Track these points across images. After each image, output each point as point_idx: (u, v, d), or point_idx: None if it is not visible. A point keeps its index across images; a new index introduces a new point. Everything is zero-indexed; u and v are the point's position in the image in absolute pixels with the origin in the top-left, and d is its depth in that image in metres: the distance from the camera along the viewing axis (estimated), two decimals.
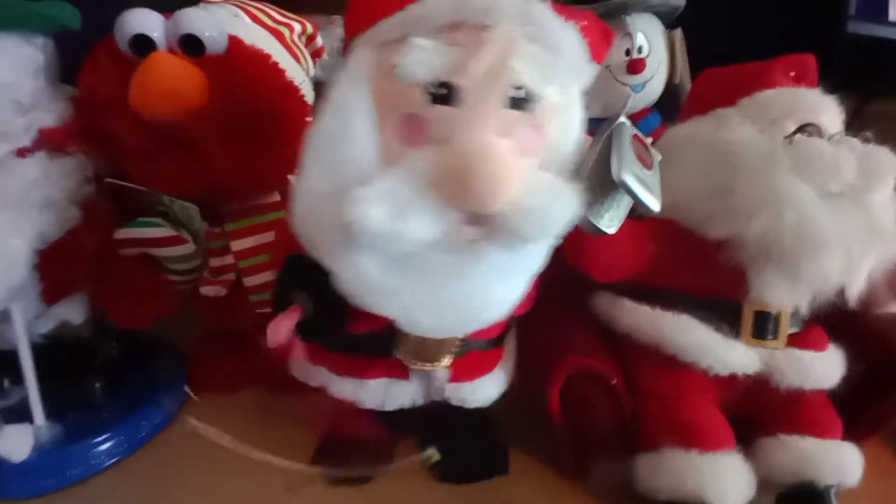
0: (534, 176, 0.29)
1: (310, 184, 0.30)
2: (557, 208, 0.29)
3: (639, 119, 0.61)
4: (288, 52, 0.46)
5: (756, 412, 0.40)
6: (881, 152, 0.37)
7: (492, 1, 0.29)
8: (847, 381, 0.40)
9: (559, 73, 0.30)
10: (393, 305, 0.30)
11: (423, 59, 0.28)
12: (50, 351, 0.44)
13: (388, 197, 0.27)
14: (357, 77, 0.30)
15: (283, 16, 0.48)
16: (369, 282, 0.29)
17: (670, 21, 0.61)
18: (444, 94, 0.29)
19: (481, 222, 0.28)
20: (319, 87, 0.55)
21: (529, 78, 0.29)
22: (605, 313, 0.42)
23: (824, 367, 0.39)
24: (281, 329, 0.31)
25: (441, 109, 0.29)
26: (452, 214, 0.28)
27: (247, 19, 0.45)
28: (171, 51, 0.39)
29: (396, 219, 0.27)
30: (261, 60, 0.41)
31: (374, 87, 0.30)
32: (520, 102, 0.30)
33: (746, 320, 0.38)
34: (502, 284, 0.32)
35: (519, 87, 0.29)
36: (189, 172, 0.41)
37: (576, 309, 0.44)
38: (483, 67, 0.28)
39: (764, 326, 0.38)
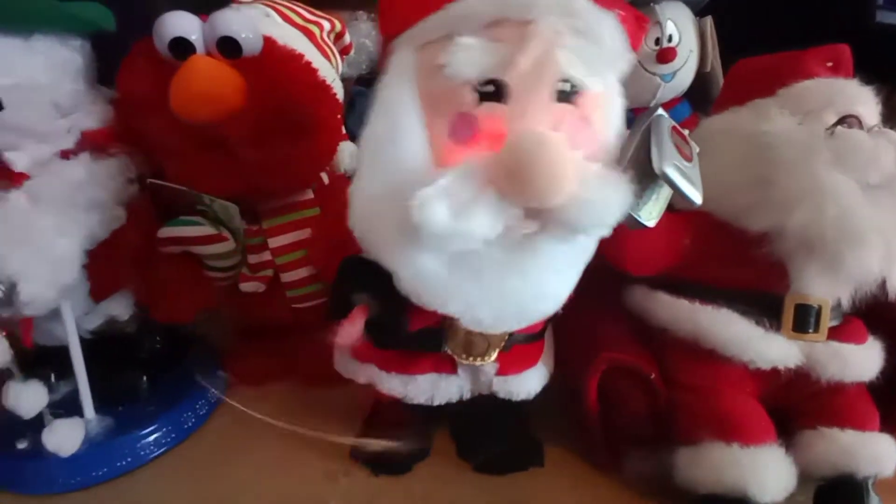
0: (587, 168, 0.29)
1: (365, 186, 0.31)
2: (612, 199, 0.29)
3: (668, 108, 0.59)
4: (318, 50, 0.47)
5: (795, 404, 0.40)
6: None
7: None
8: (885, 372, 0.40)
9: (601, 63, 0.31)
10: (456, 303, 0.31)
11: (469, 57, 0.28)
12: (96, 346, 0.46)
13: (451, 196, 0.27)
14: (402, 78, 0.30)
15: (312, 14, 0.49)
16: (432, 281, 0.30)
17: (699, 9, 0.60)
18: (492, 91, 0.29)
19: (540, 216, 0.29)
20: (347, 83, 0.56)
21: (575, 70, 0.29)
22: (639, 307, 0.42)
23: (864, 360, 0.39)
24: (352, 332, 0.32)
25: (491, 106, 0.29)
26: (512, 210, 0.28)
27: (278, 19, 0.45)
28: (209, 53, 0.40)
29: (460, 217, 0.27)
30: (295, 60, 0.41)
31: (419, 87, 0.30)
32: (567, 95, 0.30)
33: (787, 313, 0.38)
34: (557, 277, 0.32)
35: (565, 80, 0.29)
36: (227, 172, 0.41)
37: (609, 302, 0.44)
38: (529, 62, 0.28)
39: (805, 320, 0.38)
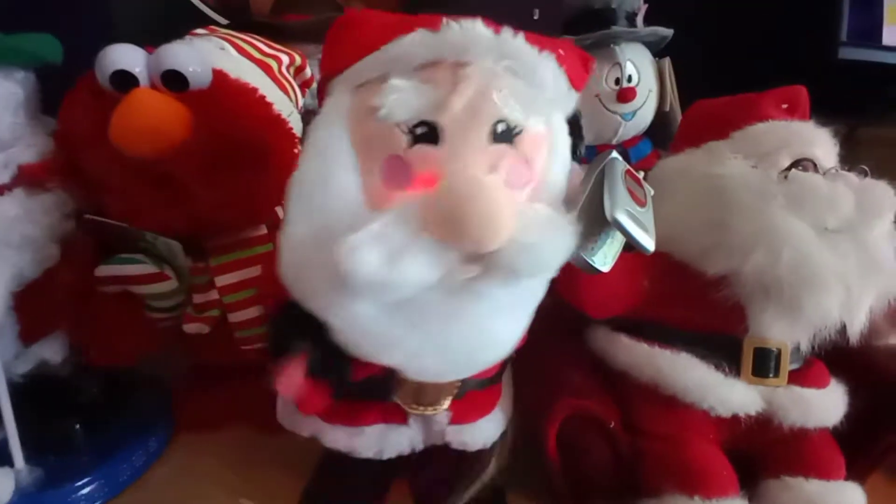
0: (527, 211, 0.28)
1: (295, 232, 0.29)
2: (554, 242, 0.28)
3: (630, 146, 0.61)
4: (276, 84, 0.46)
5: (758, 451, 0.39)
6: (878, 187, 0.36)
7: (467, 38, 0.28)
8: (848, 414, 0.39)
9: (541, 103, 0.30)
10: (396, 353, 0.29)
11: (402, 99, 0.27)
12: (29, 390, 0.43)
13: (382, 242, 0.26)
14: (335, 120, 0.29)
15: (271, 48, 0.48)
16: (367, 331, 0.28)
17: (658, 50, 0.61)
18: (425, 133, 0.28)
19: (478, 260, 0.27)
20: (309, 115, 0.55)
21: (511, 111, 0.28)
22: (601, 350, 0.41)
23: (826, 405, 0.38)
24: (293, 381, 0.30)
25: (424, 149, 0.28)
26: (448, 255, 0.27)
27: (233, 52, 0.45)
28: (153, 86, 0.38)
29: (392, 264, 0.26)
30: (246, 94, 0.40)
31: (353, 129, 0.29)
32: (504, 136, 0.29)
33: (746, 357, 0.37)
34: (504, 321, 0.31)
35: (501, 121, 0.28)
36: (172, 208, 0.40)
37: (571, 344, 0.43)
38: (463, 104, 0.27)
39: (765, 364, 0.37)
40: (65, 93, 0.42)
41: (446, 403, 0.35)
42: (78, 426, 0.45)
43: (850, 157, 0.40)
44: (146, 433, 0.47)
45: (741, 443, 0.39)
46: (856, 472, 0.38)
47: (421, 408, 0.35)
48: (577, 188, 0.32)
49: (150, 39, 0.40)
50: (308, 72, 0.51)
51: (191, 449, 0.48)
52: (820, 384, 0.39)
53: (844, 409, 0.39)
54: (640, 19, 0.59)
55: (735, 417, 0.37)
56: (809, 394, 0.38)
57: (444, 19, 0.28)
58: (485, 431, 0.38)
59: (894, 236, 0.37)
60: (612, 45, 0.57)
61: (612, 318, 0.41)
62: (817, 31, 0.70)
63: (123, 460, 0.44)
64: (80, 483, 0.42)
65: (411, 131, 0.28)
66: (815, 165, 0.37)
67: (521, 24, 0.30)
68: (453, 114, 0.27)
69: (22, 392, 0.42)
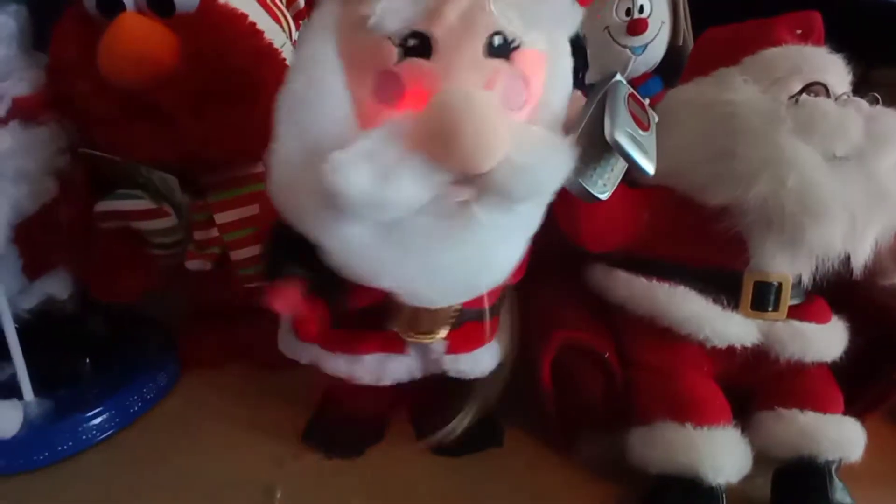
0: (523, 131, 0.27)
1: (284, 151, 0.28)
2: (550, 164, 0.27)
3: (639, 84, 0.58)
4: (267, 12, 0.44)
5: (754, 385, 0.39)
6: (889, 115, 0.35)
7: None
8: (850, 354, 0.39)
9: (541, 17, 0.28)
10: (387, 276, 0.29)
11: (393, 7, 0.26)
12: (37, 326, 0.44)
13: (371, 160, 0.25)
14: (323, 32, 0.28)
15: None
16: (360, 253, 0.28)
17: None
18: (417, 45, 0.27)
19: (471, 183, 0.27)
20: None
21: (509, 23, 0.27)
22: (598, 285, 0.41)
23: (826, 340, 0.38)
24: (290, 300, 0.29)
25: (416, 62, 0.27)
26: (440, 176, 0.26)
27: None
28: (139, 11, 0.37)
29: (381, 184, 0.25)
30: (236, 20, 0.39)
31: (342, 42, 0.28)
32: (500, 50, 0.27)
33: (746, 291, 0.37)
34: (498, 247, 0.30)
35: (498, 33, 0.27)
36: (161, 140, 0.39)
37: (568, 279, 0.43)
38: (457, 13, 0.26)
39: (764, 298, 0.37)
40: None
41: (443, 332, 0.35)
42: (87, 360, 0.47)
43: (864, 96, 0.38)
44: (155, 368, 0.48)
45: (737, 376, 0.39)
46: (855, 411, 0.38)
47: (418, 336, 0.35)
48: (577, 112, 0.31)
49: None
50: (301, 2, 0.49)
51: (198, 384, 0.49)
52: (820, 320, 0.39)
53: (845, 346, 0.39)
54: None
55: (731, 350, 0.37)
56: (809, 328, 0.38)
57: None
58: (481, 361, 0.39)
59: None
60: None
61: (611, 255, 0.40)
62: None
63: (134, 392, 0.46)
64: (89, 414, 0.43)
65: (402, 43, 0.27)
66: (826, 91, 0.36)
67: None
68: (447, 24, 0.26)
69: (31, 328, 0.43)
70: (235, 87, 0.38)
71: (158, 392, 0.47)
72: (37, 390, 0.43)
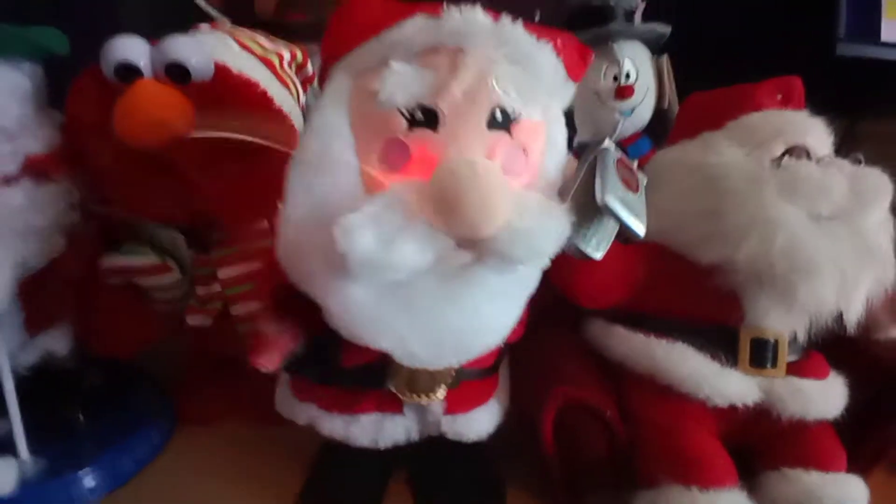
0: (522, 198, 0.29)
1: (293, 214, 0.29)
2: (548, 230, 0.28)
3: (629, 144, 0.61)
4: (277, 79, 0.46)
5: (758, 443, 0.39)
6: (872, 174, 0.36)
7: (467, 24, 0.29)
8: (850, 408, 0.39)
9: (538, 92, 0.30)
10: (387, 337, 0.29)
11: (402, 83, 0.28)
12: (33, 381, 0.43)
13: (377, 224, 0.26)
14: (336, 103, 0.30)
15: (273, 43, 0.49)
16: (360, 313, 0.29)
17: (657, 48, 0.62)
18: (424, 117, 0.28)
19: (472, 246, 0.28)
20: (311, 112, 0.56)
21: (509, 98, 0.29)
22: (597, 341, 0.41)
23: (826, 397, 0.38)
24: (273, 359, 0.30)
25: (422, 133, 0.28)
26: (443, 240, 0.27)
27: (235, 47, 0.45)
28: (156, 78, 0.39)
29: (387, 247, 0.26)
30: (248, 88, 0.41)
31: (353, 113, 0.30)
32: (501, 123, 0.29)
33: (743, 348, 0.37)
34: (496, 308, 0.31)
35: (499, 108, 0.29)
36: (172, 198, 0.40)
37: (568, 335, 0.43)
38: (462, 89, 0.28)
39: (762, 354, 0.37)
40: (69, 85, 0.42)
41: (441, 393, 0.35)
42: (81, 416, 0.46)
43: (850, 152, 0.39)
44: (149, 425, 0.47)
45: (740, 435, 0.38)
46: (858, 466, 0.38)
47: (415, 396, 0.35)
48: (570, 176, 0.32)
49: (155, 35, 0.41)
50: (310, 69, 0.52)
51: (192, 441, 0.48)
52: (819, 375, 0.39)
53: (845, 402, 0.39)
54: (638, 17, 0.60)
55: (733, 408, 0.37)
56: (808, 385, 0.38)
57: (445, 6, 0.29)
58: (480, 422, 0.38)
59: (890, 225, 0.37)
60: (610, 43, 0.58)
61: (609, 310, 0.41)
62: (815, 27, 0.70)
63: (126, 451, 0.45)
64: (82, 473, 0.42)
65: (410, 115, 0.28)
66: (808, 153, 0.37)
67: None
68: (452, 99, 0.28)
69: (26, 381, 0.42)
70: (245, 150, 0.40)
71: (152, 450, 0.46)
72: (31, 446, 0.42)
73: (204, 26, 0.47)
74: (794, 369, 0.38)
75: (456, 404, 0.37)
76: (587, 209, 0.31)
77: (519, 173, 0.30)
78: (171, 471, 0.45)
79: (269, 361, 0.30)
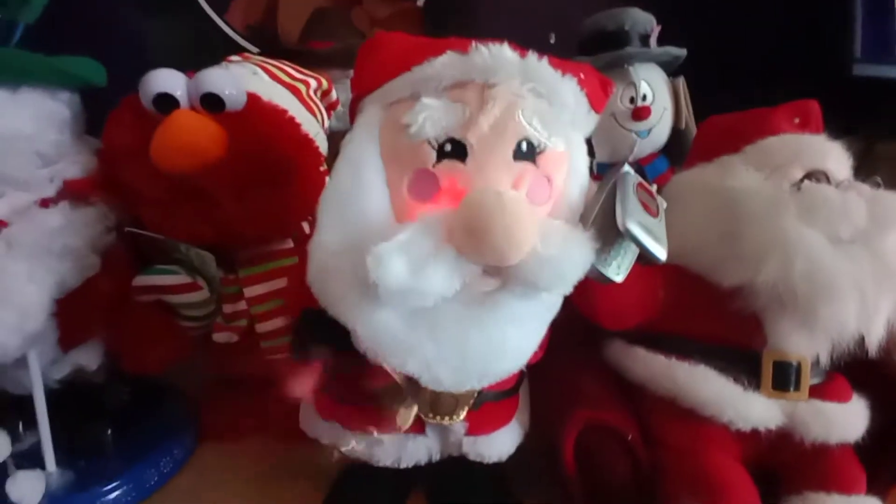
0: (547, 226, 0.29)
1: (325, 240, 0.30)
2: (573, 257, 0.29)
3: (647, 164, 0.62)
4: (304, 106, 0.48)
5: (780, 466, 0.39)
6: (891, 197, 0.36)
7: (495, 60, 0.30)
8: (870, 429, 0.38)
9: (562, 124, 0.31)
10: (414, 361, 0.30)
11: (432, 117, 0.29)
12: (62, 396, 0.44)
13: (408, 252, 0.27)
14: (367, 135, 0.31)
15: (300, 72, 0.51)
16: (389, 338, 0.29)
17: (673, 70, 0.63)
18: (453, 149, 0.29)
19: (498, 273, 0.29)
20: (335, 137, 0.57)
21: (535, 130, 0.30)
22: (618, 363, 0.41)
23: (849, 419, 0.38)
24: (304, 386, 0.31)
25: (451, 164, 0.30)
26: (470, 267, 0.28)
27: (265, 77, 0.47)
28: (192, 108, 0.41)
29: (416, 274, 0.27)
30: (278, 115, 0.43)
31: (383, 144, 0.31)
32: (527, 154, 0.30)
33: (766, 371, 0.37)
34: (520, 333, 0.32)
35: (525, 140, 0.30)
36: (205, 221, 0.42)
37: (589, 357, 0.43)
38: (489, 123, 0.29)
39: (785, 377, 0.37)
40: (107, 113, 0.45)
41: (463, 414, 0.36)
42: (109, 431, 0.47)
43: (868, 173, 0.40)
44: (174, 440, 0.48)
45: (762, 458, 0.38)
46: (876, 488, 0.38)
47: (437, 417, 0.36)
48: (590, 201, 0.33)
49: (186, 66, 0.43)
50: (333, 95, 0.53)
51: (215, 458, 0.49)
52: (842, 398, 0.39)
53: (866, 425, 0.38)
54: (653, 40, 0.61)
55: (756, 432, 0.37)
56: (831, 408, 0.38)
57: (473, 43, 0.30)
58: (501, 443, 0.39)
59: None
60: (626, 66, 0.58)
61: (629, 331, 0.41)
62: (831, 48, 0.70)
63: (151, 466, 0.46)
64: (108, 487, 0.43)
65: (440, 147, 0.30)
66: (827, 177, 0.38)
67: (538, 47, 0.32)
68: (480, 132, 0.29)
69: (56, 396, 0.43)
70: (276, 173, 0.41)
71: (175, 465, 0.47)
72: (58, 459, 0.43)
73: (234, 57, 0.49)
74: (817, 392, 0.38)
75: (478, 425, 0.37)
76: (608, 233, 0.32)
77: (544, 202, 0.31)
78: (194, 486, 0.46)
79: (301, 391, 0.31)
